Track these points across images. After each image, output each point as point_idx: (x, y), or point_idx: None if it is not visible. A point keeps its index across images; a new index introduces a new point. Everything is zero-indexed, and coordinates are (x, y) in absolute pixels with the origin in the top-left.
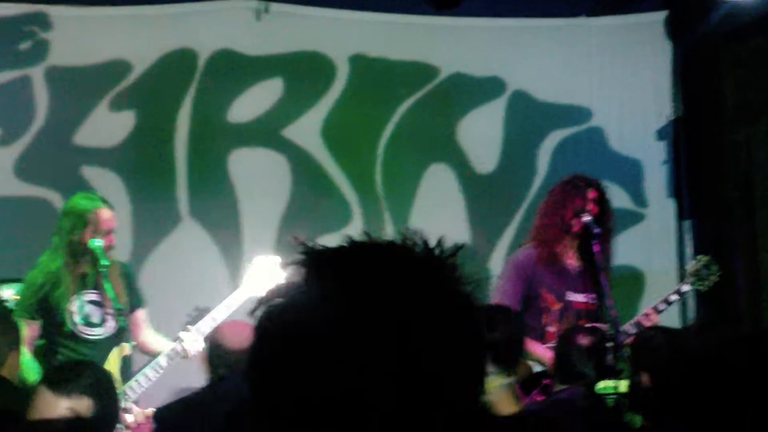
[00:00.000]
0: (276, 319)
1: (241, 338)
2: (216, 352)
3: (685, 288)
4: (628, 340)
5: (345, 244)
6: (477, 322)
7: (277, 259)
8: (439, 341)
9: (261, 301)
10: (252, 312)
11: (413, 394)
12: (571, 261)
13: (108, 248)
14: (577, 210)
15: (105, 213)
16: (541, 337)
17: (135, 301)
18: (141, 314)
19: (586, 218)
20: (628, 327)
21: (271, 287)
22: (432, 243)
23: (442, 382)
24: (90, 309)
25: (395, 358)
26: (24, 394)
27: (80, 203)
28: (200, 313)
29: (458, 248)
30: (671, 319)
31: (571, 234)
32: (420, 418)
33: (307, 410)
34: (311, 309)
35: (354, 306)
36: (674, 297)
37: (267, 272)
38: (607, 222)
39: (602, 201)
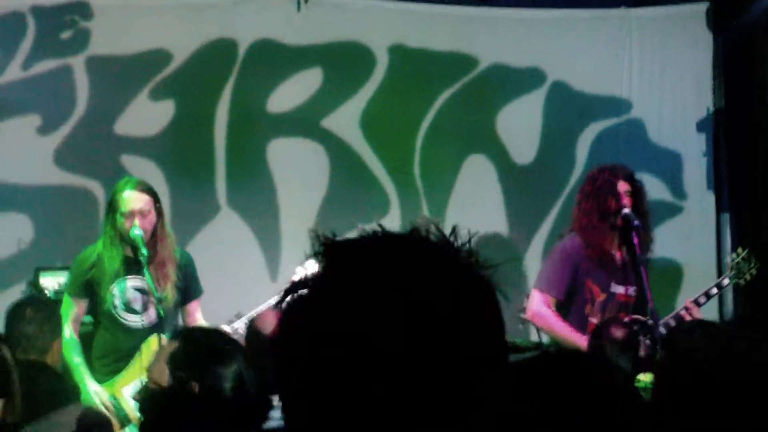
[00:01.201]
0: (296, 307)
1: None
2: (257, 342)
3: (726, 281)
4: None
5: (362, 235)
6: (495, 303)
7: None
8: (456, 322)
9: (284, 292)
10: (277, 304)
11: (423, 380)
12: (615, 252)
13: (151, 236)
14: (614, 209)
15: (128, 195)
16: (583, 328)
17: (192, 290)
18: (195, 304)
19: (625, 211)
20: (669, 320)
21: (293, 279)
22: (447, 232)
23: (455, 366)
24: (132, 295)
25: (405, 338)
26: (67, 380)
27: (115, 187)
28: (238, 303)
29: (472, 236)
30: (710, 311)
31: (612, 225)
32: (432, 403)
33: (324, 392)
34: (328, 295)
35: (369, 289)
36: (714, 290)
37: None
38: (642, 206)
39: (634, 189)
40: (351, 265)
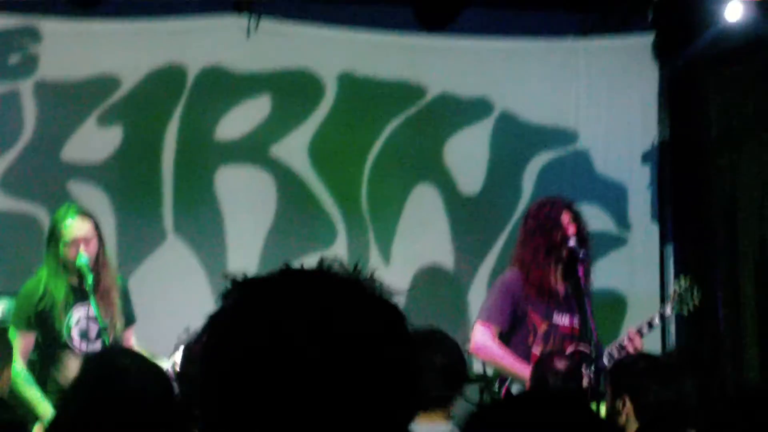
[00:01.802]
0: (206, 341)
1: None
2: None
3: (668, 311)
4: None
5: (273, 272)
6: (404, 330)
7: None
8: (361, 351)
9: (203, 325)
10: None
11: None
12: (557, 284)
13: (94, 262)
14: (558, 241)
15: (70, 223)
16: (527, 359)
17: (128, 316)
18: (131, 332)
19: (571, 243)
20: (612, 349)
21: (209, 314)
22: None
23: (362, 396)
24: (85, 323)
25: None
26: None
27: (54, 215)
28: (185, 332)
29: (373, 272)
30: (652, 341)
31: (557, 259)
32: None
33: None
34: (234, 330)
35: (274, 321)
36: (657, 320)
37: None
38: (583, 233)
39: (577, 219)
40: (257, 297)
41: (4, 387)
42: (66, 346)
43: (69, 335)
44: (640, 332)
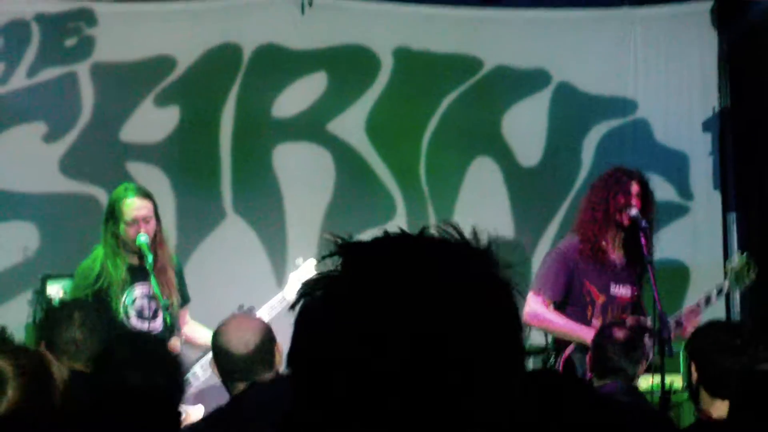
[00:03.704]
0: (311, 310)
1: (245, 340)
2: (224, 359)
3: (726, 287)
4: (675, 333)
5: (380, 236)
6: (513, 307)
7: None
8: (470, 327)
9: (299, 294)
10: (292, 306)
11: (440, 381)
12: (616, 254)
13: (152, 241)
14: (621, 206)
15: (131, 202)
16: None
17: (184, 296)
18: (186, 310)
19: (633, 212)
20: (671, 323)
21: (307, 280)
22: (468, 235)
23: (470, 368)
24: (143, 302)
25: (424, 344)
26: None
27: (113, 194)
28: (246, 305)
29: (494, 239)
30: (717, 311)
31: (617, 227)
32: (447, 404)
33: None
34: (343, 298)
35: (383, 293)
36: (715, 297)
37: (310, 275)
38: (650, 214)
39: (645, 193)
40: (368, 268)
41: None
42: (122, 325)
43: (126, 314)
44: (696, 308)
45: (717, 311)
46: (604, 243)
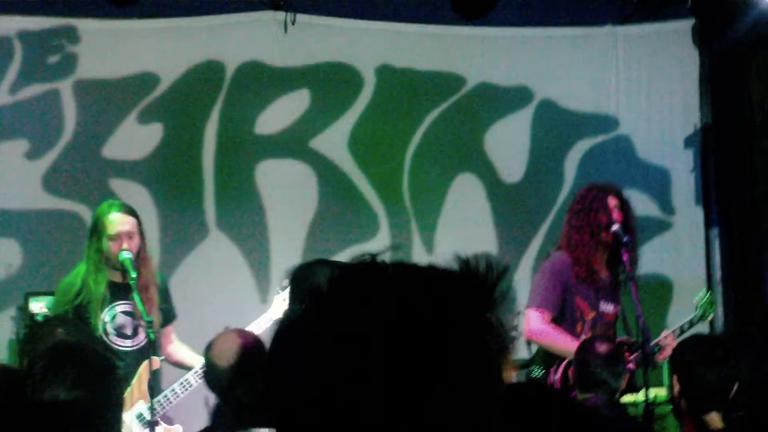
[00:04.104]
0: (280, 339)
1: (229, 354)
2: (212, 372)
3: (695, 320)
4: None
5: (361, 266)
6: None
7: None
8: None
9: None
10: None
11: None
12: (602, 271)
13: (136, 258)
14: (604, 224)
15: (114, 217)
16: None
17: (170, 313)
18: (171, 328)
19: (615, 227)
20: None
21: (285, 309)
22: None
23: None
24: (123, 320)
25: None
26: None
27: (97, 209)
28: (230, 326)
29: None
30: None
31: (603, 245)
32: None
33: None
34: (308, 329)
35: (350, 327)
36: (687, 326)
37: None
38: (631, 223)
39: (623, 205)
40: (335, 311)
41: None
42: (103, 342)
43: (104, 331)
44: (672, 335)
45: (700, 325)
46: (592, 259)
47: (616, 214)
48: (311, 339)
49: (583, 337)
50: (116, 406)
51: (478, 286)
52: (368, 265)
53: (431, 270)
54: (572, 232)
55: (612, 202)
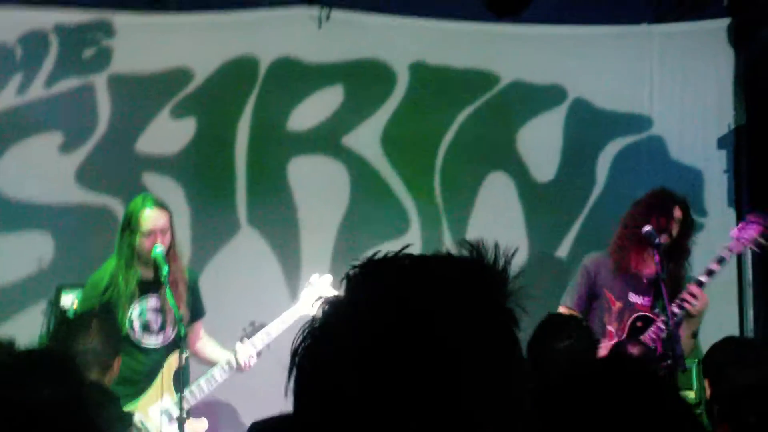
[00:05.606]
0: (318, 333)
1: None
2: None
3: (727, 255)
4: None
5: (393, 257)
6: (514, 340)
7: (331, 278)
8: (471, 361)
9: (313, 316)
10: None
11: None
12: (645, 268)
13: (166, 253)
14: (661, 227)
15: (148, 213)
16: (603, 335)
17: (199, 310)
18: (200, 324)
19: (647, 228)
20: (674, 307)
21: (321, 301)
22: (488, 254)
23: (471, 411)
24: (150, 316)
25: (425, 377)
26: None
27: (130, 205)
28: (257, 321)
29: (507, 255)
30: (730, 328)
31: (640, 242)
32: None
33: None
34: (349, 322)
35: (388, 320)
36: (715, 267)
37: (323, 290)
38: (687, 239)
39: (686, 219)
40: (375, 294)
41: (111, 377)
42: (127, 338)
43: (131, 327)
44: (700, 284)
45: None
46: (636, 257)
47: (674, 226)
48: (340, 349)
49: (610, 325)
50: (83, 402)
51: (488, 270)
52: (387, 261)
53: (443, 259)
54: (625, 225)
55: (677, 213)
